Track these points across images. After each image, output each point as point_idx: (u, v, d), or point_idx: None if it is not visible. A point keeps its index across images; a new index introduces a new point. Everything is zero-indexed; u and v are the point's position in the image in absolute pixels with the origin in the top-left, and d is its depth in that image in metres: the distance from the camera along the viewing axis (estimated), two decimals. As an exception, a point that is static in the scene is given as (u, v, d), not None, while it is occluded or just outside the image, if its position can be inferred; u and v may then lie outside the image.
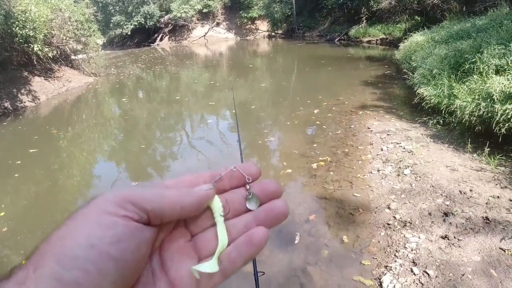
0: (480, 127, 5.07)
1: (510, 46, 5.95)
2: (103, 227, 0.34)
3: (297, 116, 7.68)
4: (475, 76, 5.80)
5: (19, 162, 6.41)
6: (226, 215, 0.44)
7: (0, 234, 4.22)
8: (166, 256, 0.41)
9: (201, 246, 0.43)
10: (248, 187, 0.45)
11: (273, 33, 31.66)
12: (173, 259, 0.41)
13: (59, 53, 13.34)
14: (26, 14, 10.81)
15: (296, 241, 3.51)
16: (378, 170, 4.68)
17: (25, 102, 10.84)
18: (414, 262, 2.97)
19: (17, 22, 10.57)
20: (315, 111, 7.79)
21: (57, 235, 0.35)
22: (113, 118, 10.08)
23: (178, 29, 34.06)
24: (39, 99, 11.37)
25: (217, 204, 0.44)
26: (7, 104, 10.26)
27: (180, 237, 0.42)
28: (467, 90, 5.69)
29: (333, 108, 7.92)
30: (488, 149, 4.55)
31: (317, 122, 7.09)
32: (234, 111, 4.20)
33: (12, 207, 4.88)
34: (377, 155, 5.18)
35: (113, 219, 0.35)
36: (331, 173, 4.84)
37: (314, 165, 5.13)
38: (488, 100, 5.02)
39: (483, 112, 4.94)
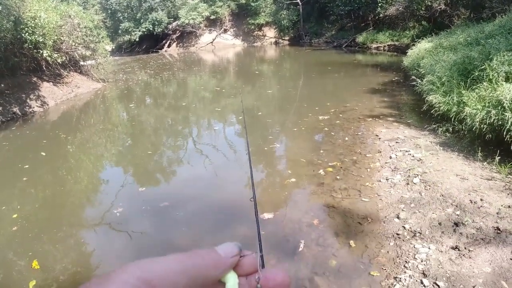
0: (490, 135, 5.00)
1: (520, 53, 5.90)
2: None
3: (304, 123, 7.65)
4: (484, 83, 5.74)
5: (27, 166, 6.45)
6: None
7: (11, 232, 4.24)
8: None
9: None
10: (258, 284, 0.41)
11: (280, 40, 31.73)
12: None
13: (68, 59, 13.44)
14: (36, 20, 10.92)
15: (300, 249, 3.46)
16: (387, 179, 4.62)
17: (33, 107, 10.92)
18: (424, 274, 2.91)
19: (26, 28, 10.68)
20: (323, 118, 7.75)
21: None
22: (121, 123, 10.12)
23: (186, 35, 34.25)
24: (47, 104, 11.45)
25: (233, 280, 0.39)
26: (15, 109, 10.35)
27: None
28: (476, 98, 5.62)
29: (341, 115, 7.88)
30: (498, 158, 4.48)
31: (325, 129, 7.05)
32: (241, 117, 4.19)
33: (23, 210, 4.88)
34: (386, 163, 5.12)
35: None
36: (339, 181, 4.80)
37: (321, 172, 5.09)
38: (499, 107, 4.96)
39: (494, 119, 4.88)
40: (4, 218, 4.72)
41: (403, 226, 3.57)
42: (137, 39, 33.79)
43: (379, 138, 6.18)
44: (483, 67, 6.10)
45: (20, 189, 5.69)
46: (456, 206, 3.69)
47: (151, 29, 32.53)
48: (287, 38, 31.44)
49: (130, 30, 32.99)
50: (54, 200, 5.30)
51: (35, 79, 12.14)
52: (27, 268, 3.64)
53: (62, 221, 4.69)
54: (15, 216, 4.69)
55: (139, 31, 32.78)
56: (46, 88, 12.21)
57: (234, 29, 34.32)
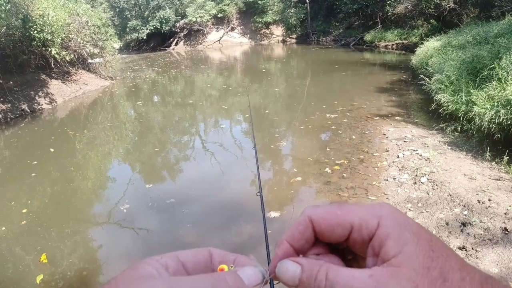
0: (499, 135, 4.95)
1: (530, 52, 5.83)
2: None
3: (311, 121, 7.63)
4: (493, 83, 5.69)
5: (35, 162, 6.51)
6: None
7: (20, 226, 4.30)
8: None
9: None
10: None
11: (287, 38, 31.67)
12: None
13: (76, 56, 13.52)
14: (44, 18, 11.00)
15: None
16: (394, 178, 4.60)
17: (42, 105, 11.01)
18: (430, 273, 2.89)
19: (35, 26, 10.76)
20: (330, 116, 7.73)
21: None
22: (128, 121, 10.17)
23: (193, 33, 34.30)
24: (56, 102, 11.54)
25: None
26: (24, 106, 10.44)
27: None
28: (485, 97, 5.57)
29: (348, 113, 7.85)
30: (507, 158, 4.44)
31: (332, 127, 7.04)
32: (247, 115, 4.19)
33: (31, 205, 4.93)
34: (393, 162, 5.10)
35: None
36: (346, 180, 4.78)
37: (328, 170, 5.08)
38: (508, 107, 4.91)
39: (503, 119, 4.83)
40: (14, 212, 4.78)
41: (410, 226, 3.55)
42: (144, 37, 33.95)
43: (387, 137, 6.15)
44: (492, 66, 6.05)
45: (29, 185, 5.75)
46: (464, 206, 3.67)
47: (158, 27, 32.66)
48: (294, 36, 31.36)
49: (137, 28, 33.16)
50: (62, 196, 5.35)
51: (43, 76, 12.24)
52: (35, 262, 3.68)
53: (69, 216, 4.74)
54: (24, 211, 4.74)
55: (147, 29, 32.94)
56: (55, 86, 12.30)
57: (241, 27, 34.31)
